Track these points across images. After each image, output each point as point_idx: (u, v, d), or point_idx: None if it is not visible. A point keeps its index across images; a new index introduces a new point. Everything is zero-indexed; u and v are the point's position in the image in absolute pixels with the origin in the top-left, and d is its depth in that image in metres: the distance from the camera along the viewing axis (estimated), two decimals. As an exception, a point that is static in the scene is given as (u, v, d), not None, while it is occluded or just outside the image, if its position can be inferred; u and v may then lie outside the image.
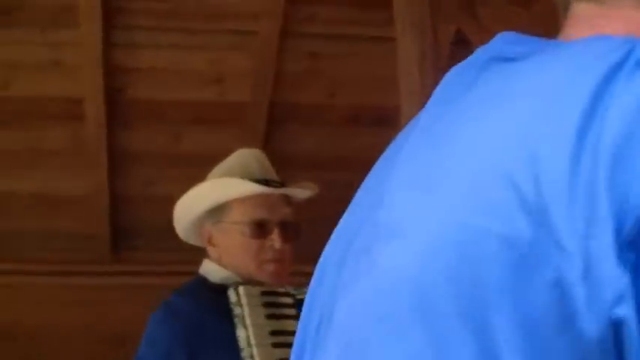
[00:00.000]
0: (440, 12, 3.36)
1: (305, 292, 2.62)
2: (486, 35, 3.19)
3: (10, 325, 4.42)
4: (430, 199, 0.76)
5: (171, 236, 4.64)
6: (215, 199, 2.47)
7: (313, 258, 2.82)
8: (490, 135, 0.75)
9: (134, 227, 4.43)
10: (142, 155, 4.20)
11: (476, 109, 0.78)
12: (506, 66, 0.81)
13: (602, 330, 0.68)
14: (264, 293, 2.36)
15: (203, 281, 2.52)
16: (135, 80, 4.00)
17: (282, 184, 2.53)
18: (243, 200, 2.47)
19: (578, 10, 0.85)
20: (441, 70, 3.19)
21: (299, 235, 2.52)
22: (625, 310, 0.68)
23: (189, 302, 2.41)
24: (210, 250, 2.54)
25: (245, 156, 2.59)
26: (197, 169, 4.42)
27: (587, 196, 0.69)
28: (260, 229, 2.47)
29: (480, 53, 0.85)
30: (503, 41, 0.85)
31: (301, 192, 2.55)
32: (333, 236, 0.92)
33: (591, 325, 0.68)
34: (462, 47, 3.64)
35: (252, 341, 2.29)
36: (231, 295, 2.33)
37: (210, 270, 2.53)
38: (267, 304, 2.35)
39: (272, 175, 2.55)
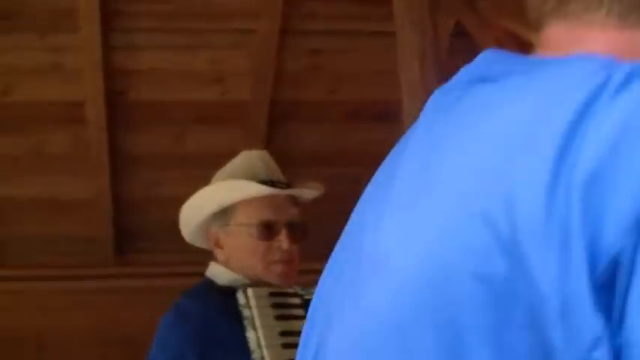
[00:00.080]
0: (439, 5, 3.40)
1: (312, 293, 2.65)
2: (486, 28, 3.25)
3: (16, 330, 4.48)
4: (410, 234, 0.77)
5: (175, 238, 4.68)
6: (221, 202, 2.50)
7: (316, 255, 2.89)
8: (467, 170, 0.75)
9: (137, 229, 4.48)
10: (144, 157, 4.25)
11: (453, 140, 0.78)
12: (484, 89, 0.80)
13: None
14: (272, 294, 2.39)
15: (210, 284, 2.54)
16: (135, 82, 4.05)
17: (288, 185, 2.55)
18: (249, 202, 2.49)
19: (554, 28, 0.84)
20: (441, 64, 3.24)
21: (306, 235, 2.54)
22: (601, 353, 0.67)
23: (199, 305, 2.43)
24: (217, 252, 2.56)
25: (250, 157, 2.61)
26: (200, 170, 4.46)
27: (562, 237, 0.68)
28: (267, 230, 2.49)
29: (462, 74, 0.85)
30: (484, 61, 0.84)
31: (308, 192, 2.58)
32: (335, 250, 0.92)
33: None
34: (461, 40, 3.68)
35: (263, 342, 2.31)
36: (240, 297, 2.36)
37: (218, 273, 2.54)
38: (275, 305, 2.37)
39: (278, 175, 2.57)
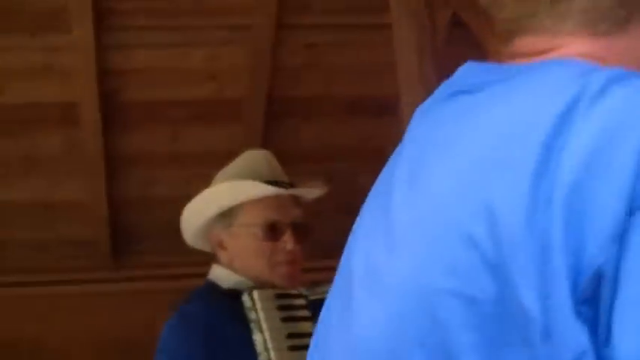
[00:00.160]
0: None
1: (317, 293, 2.68)
2: (483, 20, 3.23)
3: (11, 335, 4.50)
4: (398, 259, 0.78)
5: (172, 239, 4.69)
6: (226, 203, 2.52)
7: (314, 252, 2.89)
8: (448, 188, 0.76)
9: (134, 231, 4.52)
10: (140, 157, 4.29)
11: (435, 156, 0.79)
12: (462, 103, 0.81)
13: None
14: (278, 296, 2.41)
15: (214, 287, 2.54)
16: (129, 81, 4.09)
17: (291, 185, 2.57)
18: (254, 202, 2.51)
19: (526, 39, 0.86)
20: (438, 56, 3.25)
21: (310, 235, 2.56)
22: None
23: (202, 308, 2.44)
24: (220, 254, 2.57)
25: (253, 157, 2.64)
26: (196, 168, 4.49)
27: (543, 252, 0.70)
28: (272, 231, 2.51)
29: (443, 88, 0.87)
30: (462, 74, 0.86)
31: (312, 192, 2.60)
32: (343, 257, 0.92)
33: None
34: (458, 31, 3.68)
35: (269, 345, 2.33)
36: (246, 300, 2.37)
37: (221, 275, 2.55)
38: (281, 307, 2.39)
39: (281, 175, 2.59)
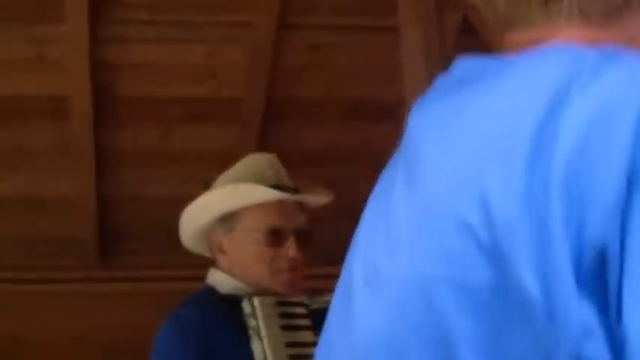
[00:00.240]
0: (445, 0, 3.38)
1: (319, 302, 2.65)
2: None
3: (-6, 335, 4.46)
4: (398, 255, 0.80)
5: (162, 239, 4.67)
6: (228, 206, 2.52)
7: (313, 258, 2.83)
8: (442, 179, 0.78)
9: (123, 231, 4.52)
10: (132, 154, 4.30)
11: (430, 153, 0.81)
12: (457, 96, 0.83)
13: None
14: (278, 304, 2.41)
15: (212, 292, 2.54)
16: (123, 76, 4.09)
17: (295, 190, 2.57)
18: (257, 207, 2.51)
19: (519, 32, 0.88)
20: (447, 61, 3.20)
21: (313, 242, 2.56)
22: (593, 346, 0.69)
23: (199, 313, 2.43)
24: (220, 258, 2.56)
25: (257, 160, 2.64)
26: (190, 168, 4.45)
27: (542, 234, 0.71)
28: (275, 237, 2.50)
29: (439, 84, 0.89)
30: (458, 69, 0.88)
31: (317, 198, 2.60)
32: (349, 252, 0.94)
33: None
34: (468, 36, 3.64)
35: (268, 353, 2.33)
36: (246, 306, 2.37)
37: (220, 280, 2.55)
38: (281, 315, 2.39)
39: (286, 180, 2.60)
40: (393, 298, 0.79)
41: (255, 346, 2.34)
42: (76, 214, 4.35)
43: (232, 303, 2.42)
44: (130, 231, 4.51)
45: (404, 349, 0.77)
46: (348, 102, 4.30)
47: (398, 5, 3.38)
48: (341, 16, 4.08)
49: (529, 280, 0.71)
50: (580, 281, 0.70)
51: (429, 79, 3.22)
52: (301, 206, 2.57)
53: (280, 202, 2.51)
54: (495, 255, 0.72)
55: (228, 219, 2.54)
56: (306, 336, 2.39)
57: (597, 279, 0.70)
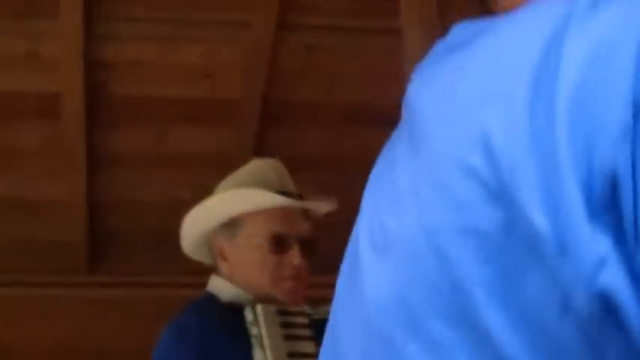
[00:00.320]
0: (449, 2, 3.36)
1: (321, 312, 2.64)
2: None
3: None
4: (404, 213, 0.81)
5: (153, 245, 4.62)
6: (232, 211, 2.60)
7: (311, 267, 2.78)
8: (443, 132, 0.79)
9: (113, 235, 4.53)
10: (124, 156, 4.32)
11: (430, 111, 0.83)
12: (457, 54, 0.84)
13: (593, 303, 0.70)
14: (280, 312, 2.42)
15: (212, 299, 2.55)
16: (117, 75, 4.11)
17: (300, 197, 2.59)
18: (261, 213, 2.52)
19: None
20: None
21: (317, 251, 2.57)
22: (612, 277, 0.69)
23: (200, 321, 2.44)
24: (221, 265, 2.58)
25: (262, 166, 2.72)
26: (184, 171, 4.41)
27: (549, 168, 0.71)
28: (279, 244, 2.52)
29: (438, 47, 0.90)
30: (456, 31, 0.90)
31: (322, 206, 2.62)
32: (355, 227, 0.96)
33: (582, 300, 0.70)
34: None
35: None
36: (248, 314, 2.38)
37: (221, 287, 2.56)
38: (283, 324, 2.40)
39: (290, 186, 2.61)
40: (402, 257, 0.80)
41: (257, 355, 2.34)
42: (65, 216, 4.36)
43: (233, 310, 2.43)
44: (120, 236, 4.53)
45: (418, 306, 0.78)
46: (347, 106, 4.31)
47: (400, 9, 3.36)
48: (341, 18, 4.09)
49: (539, 217, 0.71)
50: (592, 212, 0.70)
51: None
52: (306, 214, 2.58)
53: (284, 209, 2.52)
54: (503, 196, 0.73)
55: (230, 225, 2.55)
56: (308, 347, 2.39)
57: (610, 208, 0.70)
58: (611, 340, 0.71)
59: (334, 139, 4.37)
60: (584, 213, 0.70)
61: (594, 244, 0.70)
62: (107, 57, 4.02)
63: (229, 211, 2.54)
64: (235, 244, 2.55)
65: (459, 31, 0.89)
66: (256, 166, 2.67)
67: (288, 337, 2.38)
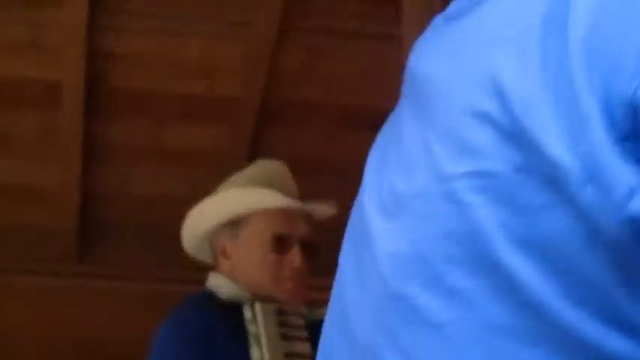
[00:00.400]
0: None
1: (317, 314, 2.70)
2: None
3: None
4: (415, 170, 0.83)
5: (143, 239, 4.63)
6: (236, 210, 2.65)
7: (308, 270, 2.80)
8: (452, 83, 0.80)
9: (104, 226, 4.56)
10: (120, 148, 4.36)
11: (439, 69, 0.84)
12: (460, 22, 0.86)
13: (623, 229, 0.70)
14: (278, 312, 2.47)
15: (211, 296, 2.58)
16: (119, 67, 4.16)
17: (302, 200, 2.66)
18: (264, 213, 2.58)
19: None
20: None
21: (317, 254, 2.61)
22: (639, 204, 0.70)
23: (199, 315, 2.48)
24: (222, 263, 2.62)
25: (268, 167, 2.78)
26: (179, 168, 4.43)
27: (569, 104, 0.72)
28: (280, 244, 2.57)
29: (438, 18, 0.92)
30: (453, 5, 0.91)
31: (324, 209, 2.67)
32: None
33: (611, 228, 0.70)
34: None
35: None
36: (247, 311, 2.43)
37: (221, 284, 2.59)
38: (280, 324, 2.45)
39: (294, 189, 2.68)
40: (418, 213, 0.80)
41: (254, 353, 2.38)
42: (57, 205, 4.40)
43: (231, 308, 2.47)
44: (111, 227, 4.57)
45: (437, 258, 0.78)
46: (344, 109, 4.36)
47: (401, 16, 3.38)
48: (342, 22, 4.11)
49: (559, 149, 0.71)
50: (616, 140, 0.70)
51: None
52: (307, 217, 2.63)
53: (287, 211, 2.57)
54: (517, 136, 0.73)
55: (233, 223, 2.58)
56: (303, 347, 2.44)
57: (632, 137, 0.70)
58: None
59: (330, 142, 4.41)
60: (609, 145, 0.70)
61: (623, 175, 0.70)
62: (109, 49, 4.07)
63: (233, 210, 2.58)
64: (237, 243, 2.58)
65: (458, 3, 0.91)
66: (261, 166, 2.73)
67: (285, 337, 2.42)
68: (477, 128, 0.76)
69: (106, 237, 4.51)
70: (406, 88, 0.92)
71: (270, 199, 2.56)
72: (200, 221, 2.62)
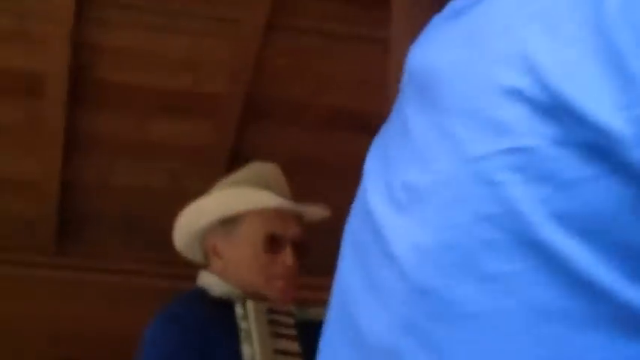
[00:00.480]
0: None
1: (306, 314, 2.75)
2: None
3: None
4: (433, 158, 0.80)
5: (124, 230, 4.61)
6: (230, 209, 2.73)
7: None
8: (468, 68, 0.79)
9: (84, 217, 4.54)
10: (102, 140, 4.39)
11: (448, 60, 0.83)
12: (459, 17, 0.85)
13: None
14: (268, 311, 2.54)
15: (202, 293, 2.64)
16: (104, 59, 4.22)
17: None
18: (257, 213, 2.65)
19: None
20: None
21: (308, 254, 2.69)
22: None
23: (190, 312, 2.54)
24: (213, 261, 2.68)
25: (262, 168, 2.93)
26: (160, 162, 4.42)
27: (610, 66, 0.70)
28: (273, 243, 2.64)
29: (435, 19, 0.92)
30: (451, 4, 0.91)
31: (317, 211, 2.75)
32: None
33: None
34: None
35: (257, 357, 2.43)
36: (238, 309, 2.49)
37: (212, 283, 2.65)
38: (271, 322, 2.52)
39: (286, 191, 2.75)
40: (444, 202, 0.78)
41: (245, 349, 2.43)
42: (36, 194, 4.46)
43: (222, 305, 2.53)
44: (90, 219, 4.53)
45: (471, 245, 0.75)
46: (329, 109, 4.39)
47: (389, 19, 3.39)
48: (330, 23, 4.14)
49: (608, 119, 0.69)
50: None
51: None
52: (298, 218, 2.70)
53: (280, 212, 2.65)
54: (556, 110, 0.72)
55: (227, 222, 2.65)
56: (292, 346, 2.50)
57: None
58: None
59: (314, 141, 4.45)
60: None
61: None
62: (96, 41, 4.12)
63: (228, 209, 2.64)
64: (230, 242, 2.64)
65: (456, 3, 0.89)
66: (256, 168, 2.82)
67: (275, 335, 2.49)
68: (507, 106, 0.74)
69: (83, 229, 4.56)
70: (408, 86, 0.90)
71: (266, 199, 2.63)
72: (195, 219, 2.68)
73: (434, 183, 0.79)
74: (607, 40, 0.70)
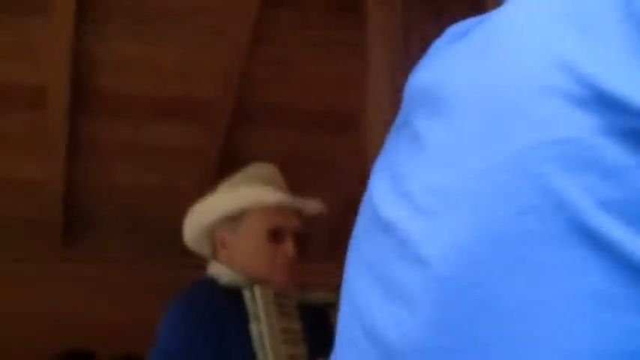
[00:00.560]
0: (411, 21, 3.50)
1: (307, 297, 3.13)
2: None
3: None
4: (458, 160, 0.80)
5: (124, 227, 4.75)
6: (237, 205, 2.92)
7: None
8: (488, 73, 0.80)
9: (88, 216, 4.83)
10: (103, 145, 4.60)
11: (463, 74, 0.83)
12: (464, 38, 0.86)
13: None
14: (275, 294, 2.82)
15: (213, 281, 2.92)
16: (102, 71, 4.39)
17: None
18: (261, 209, 2.93)
19: None
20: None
21: (306, 245, 2.98)
22: None
23: (204, 297, 2.82)
24: (221, 252, 2.97)
25: (263, 168, 3.07)
26: (157, 163, 4.58)
27: None
28: (276, 235, 2.92)
29: (437, 43, 0.91)
30: (449, 30, 0.91)
31: (314, 206, 3.00)
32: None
33: None
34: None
35: (265, 335, 2.72)
36: (247, 292, 2.77)
37: (221, 272, 2.92)
38: (276, 304, 2.79)
39: (285, 188, 3.03)
40: (481, 199, 0.76)
41: (254, 328, 2.68)
42: (43, 197, 4.66)
43: (230, 292, 2.78)
44: (93, 218, 4.82)
45: (518, 239, 0.74)
46: (312, 112, 4.57)
47: (366, 24, 3.51)
48: (311, 30, 4.29)
49: None
50: None
51: (392, 94, 3.38)
52: (298, 213, 2.97)
53: (281, 207, 2.90)
54: (595, 102, 0.71)
55: (234, 218, 2.90)
56: (296, 325, 2.78)
57: None
58: None
59: (299, 142, 4.65)
60: None
61: None
62: (93, 54, 4.32)
63: (235, 205, 2.89)
64: (237, 234, 2.89)
65: (457, 27, 0.89)
66: (257, 168, 3.06)
67: (280, 315, 2.74)
68: (545, 102, 0.73)
69: (88, 227, 4.80)
70: (414, 103, 0.88)
71: (268, 195, 2.88)
72: (205, 215, 2.93)
73: (464, 182, 0.78)
74: None
